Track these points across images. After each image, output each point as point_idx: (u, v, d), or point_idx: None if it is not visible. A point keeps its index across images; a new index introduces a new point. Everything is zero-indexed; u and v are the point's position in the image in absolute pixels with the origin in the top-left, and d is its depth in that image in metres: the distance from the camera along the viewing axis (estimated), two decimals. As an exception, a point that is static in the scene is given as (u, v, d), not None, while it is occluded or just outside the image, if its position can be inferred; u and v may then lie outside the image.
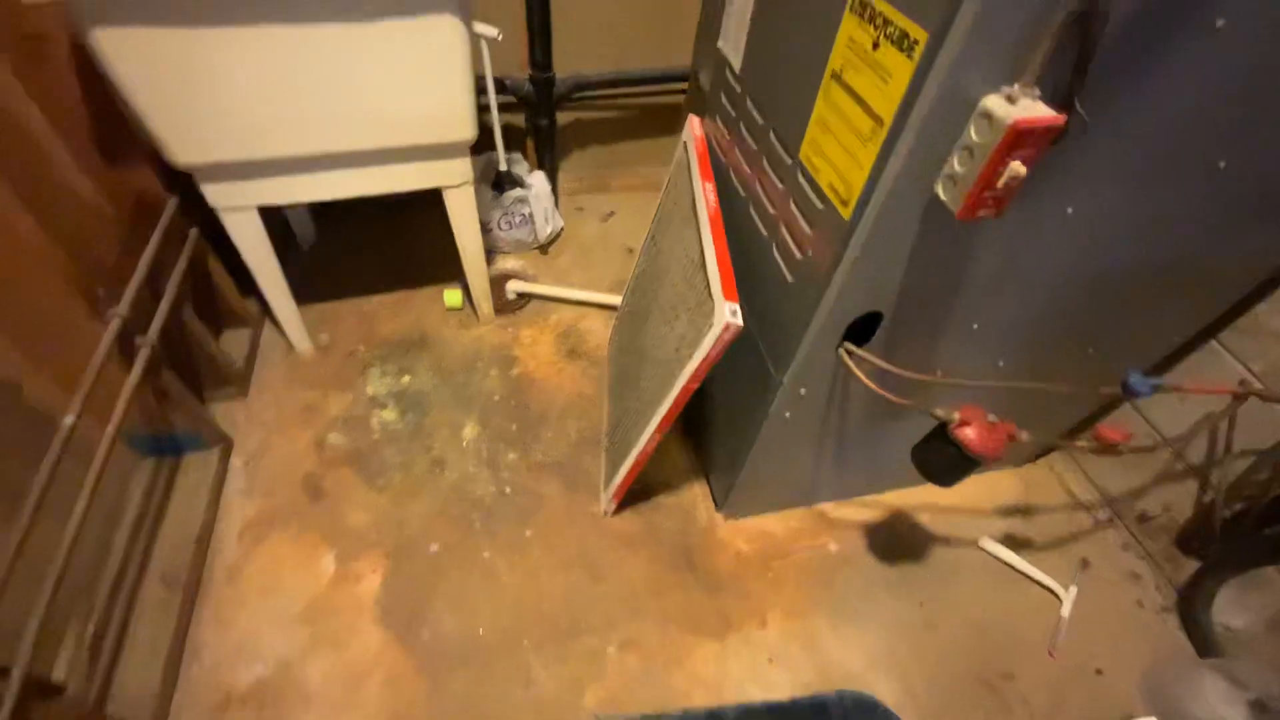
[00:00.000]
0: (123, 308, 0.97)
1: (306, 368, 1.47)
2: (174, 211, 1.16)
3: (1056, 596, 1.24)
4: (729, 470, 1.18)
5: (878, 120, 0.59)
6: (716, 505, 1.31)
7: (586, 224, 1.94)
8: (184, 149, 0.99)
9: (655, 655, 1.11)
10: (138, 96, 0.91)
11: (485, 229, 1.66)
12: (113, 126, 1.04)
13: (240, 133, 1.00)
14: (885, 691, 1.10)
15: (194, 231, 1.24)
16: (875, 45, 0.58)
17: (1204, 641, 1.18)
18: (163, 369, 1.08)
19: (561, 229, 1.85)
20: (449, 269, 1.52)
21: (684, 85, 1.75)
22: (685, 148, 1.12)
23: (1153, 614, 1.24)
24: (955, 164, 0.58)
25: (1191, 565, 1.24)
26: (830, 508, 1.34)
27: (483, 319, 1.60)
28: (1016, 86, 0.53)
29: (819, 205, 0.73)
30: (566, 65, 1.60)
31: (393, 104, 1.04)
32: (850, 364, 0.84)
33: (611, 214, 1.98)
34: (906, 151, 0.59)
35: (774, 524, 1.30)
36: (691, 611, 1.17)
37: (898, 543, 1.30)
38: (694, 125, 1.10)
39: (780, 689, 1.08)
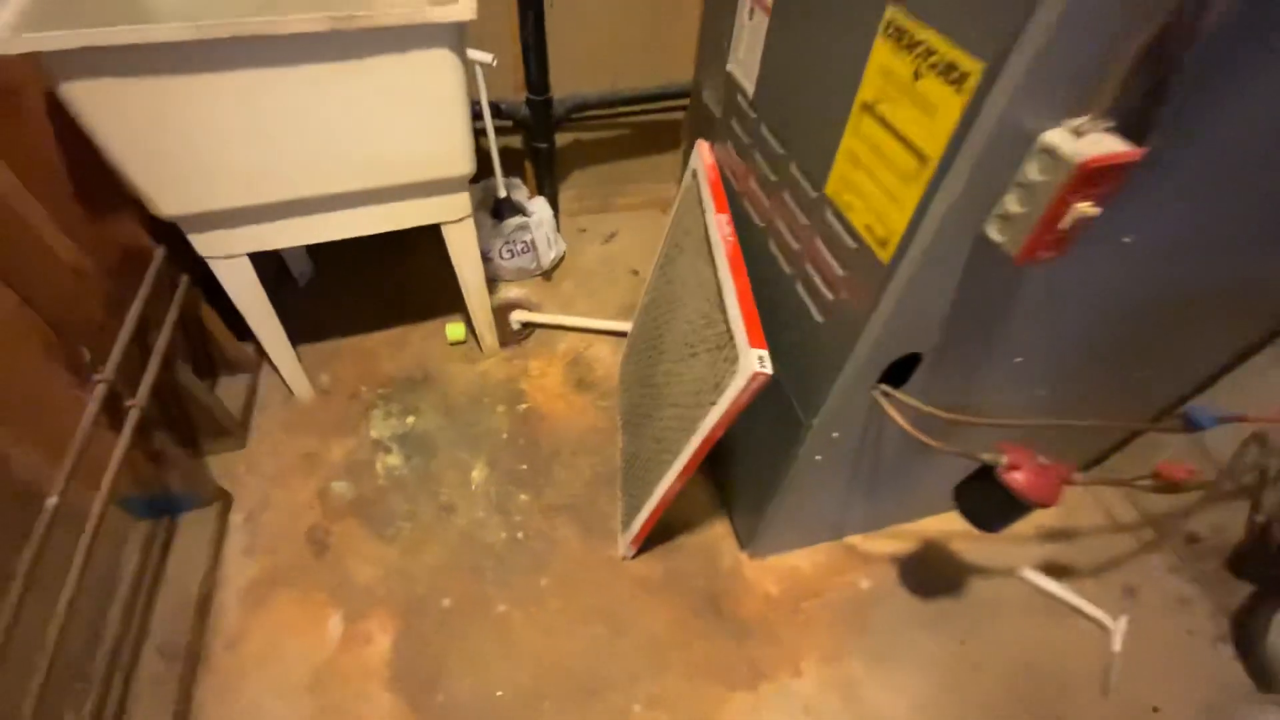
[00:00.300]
0: (108, 371, 0.91)
1: (307, 413, 1.41)
2: (162, 261, 1.11)
3: (1105, 629, 1.17)
4: (754, 510, 1.12)
5: (921, 158, 0.53)
6: (740, 544, 1.25)
7: (589, 246, 1.88)
8: (168, 200, 0.94)
9: (683, 711, 1.05)
10: (116, 149, 0.86)
11: (486, 258, 1.61)
12: (93, 178, 0.98)
13: (227, 180, 0.95)
14: (931, 743, 1.03)
15: (184, 279, 1.18)
16: (916, 76, 0.53)
17: (1261, 672, 1.11)
18: (155, 430, 1.03)
19: (564, 253, 1.79)
20: (450, 301, 1.47)
21: (684, 101, 1.70)
22: (695, 175, 1.06)
23: (1206, 643, 1.18)
24: (1011, 203, 0.52)
25: (1245, 589, 1.18)
26: (859, 540, 1.28)
27: (487, 352, 1.54)
28: (1085, 119, 0.47)
29: (851, 245, 0.67)
30: (563, 86, 1.55)
31: (387, 143, 0.99)
32: (888, 407, 0.78)
33: (614, 235, 1.92)
34: (956, 191, 0.53)
35: (801, 560, 1.24)
36: (720, 661, 1.10)
37: (933, 576, 1.23)
38: (703, 152, 1.04)
39: (819, 744, 1.02)
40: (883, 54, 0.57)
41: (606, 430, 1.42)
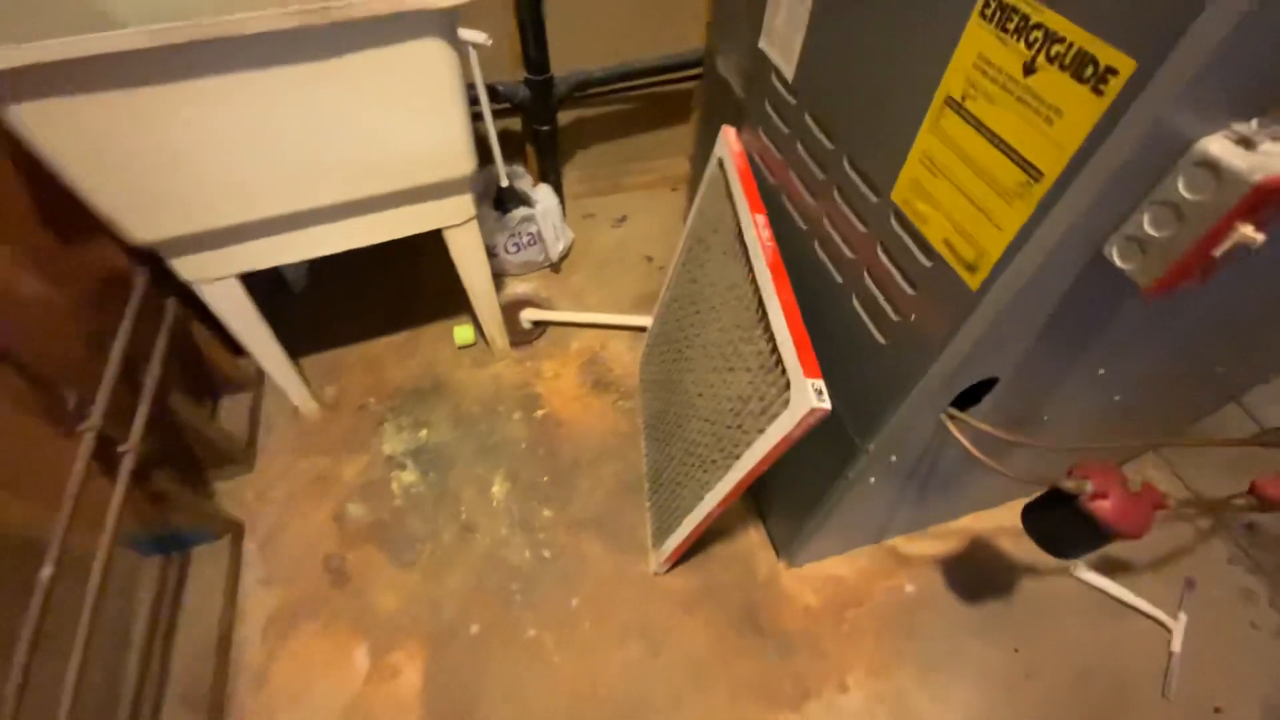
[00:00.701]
0: (95, 418, 0.84)
1: (315, 430, 1.34)
2: (145, 287, 1.02)
3: (1164, 627, 1.12)
4: (794, 522, 1.06)
5: (1033, 172, 0.44)
6: (777, 553, 1.19)
7: (599, 232, 1.77)
8: (142, 226, 0.84)
9: (729, 733, 1.01)
10: (76, 175, 0.76)
11: (491, 253, 1.51)
12: (58, 202, 0.89)
13: (206, 199, 0.85)
14: (988, 757, 0.99)
15: (171, 302, 1.10)
16: (1030, 69, 0.43)
17: (1333, 667, 1.06)
18: (154, 470, 0.96)
19: (572, 242, 1.69)
20: (457, 301, 1.37)
21: (695, 71, 1.56)
22: (721, 165, 0.96)
23: (1269, 636, 1.12)
24: (1147, 225, 0.43)
25: (1313, 580, 1.12)
26: (901, 542, 1.22)
27: (498, 354, 1.46)
28: (1254, 124, 0.37)
29: (925, 263, 0.58)
30: (564, 62, 1.42)
31: (377, 147, 0.89)
32: (957, 434, 0.70)
33: (624, 218, 1.81)
34: (1076, 213, 0.43)
35: (842, 567, 1.18)
36: (763, 679, 1.06)
37: (981, 576, 1.18)
38: (730, 139, 0.93)
39: (872, 764, 0.98)
40: (978, 39, 0.47)
41: (628, 434, 1.35)
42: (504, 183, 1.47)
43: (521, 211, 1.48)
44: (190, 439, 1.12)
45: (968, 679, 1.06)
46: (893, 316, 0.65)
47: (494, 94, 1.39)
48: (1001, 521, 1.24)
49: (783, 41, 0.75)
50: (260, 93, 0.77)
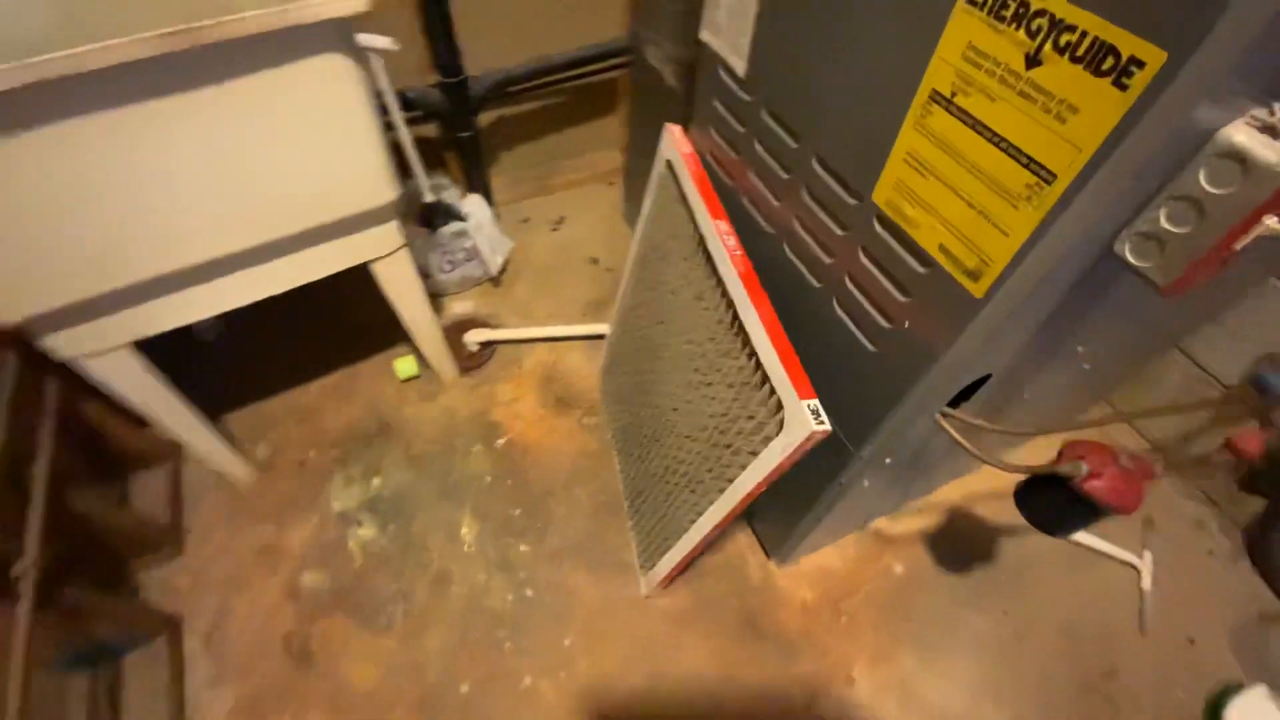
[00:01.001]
0: (-27, 544, 0.70)
1: (250, 496, 1.21)
2: (16, 370, 0.87)
3: (1133, 568, 1.17)
4: (785, 526, 1.03)
5: (1044, 174, 0.40)
6: (767, 554, 1.16)
7: (537, 237, 1.68)
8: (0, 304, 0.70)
9: (746, 751, 0.98)
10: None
11: (424, 274, 1.39)
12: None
13: (74, 265, 0.72)
14: (995, 726, 1.01)
15: (51, 383, 0.94)
16: (1033, 61, 0.38)
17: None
18: (62, 584, 0.82)
19: (511, 250, 1.59)
20: (392, 330, 1.25)
21: (620, 60, 1.48)
22: (671, 168, 0.89)
23: (1225, 563, 1.20)
24: (1164, 221, 0.40)
25: (1255, 503, 1.19)
26: (885, 524, 1.22)
27: (447, 384, 1.36)
28: (1276, 109, 0.35)
29: (919, 269, 0.54)
30: (479, 62, 1.31)
31: (281, 183, 0.77)
32: (952, 432, 0.68)
33: (561, 220, 1.72)
34: (1090, 215, 0.40)
35: (831, 558, 1.17)
36: (771, 687, 1.03)
37: (963, 546, 1.19)
38: (676, 139, 0.87)
39: (888, 754, 0.98)
40: (966, 28, 0.42)
41: (598, 452, 1.29)
42: (429, 198, 1.36)
43: (453, 227, 1.37)
44: (100, 533, 0.97)
45: (965, 652, 1.08)
46: (883, 324, 0.61)
47: (405, 102, 1.26)
48: (974, 488, 1.26)
49: (729, 34, 0.69)
50: (128, 135, 0.64)
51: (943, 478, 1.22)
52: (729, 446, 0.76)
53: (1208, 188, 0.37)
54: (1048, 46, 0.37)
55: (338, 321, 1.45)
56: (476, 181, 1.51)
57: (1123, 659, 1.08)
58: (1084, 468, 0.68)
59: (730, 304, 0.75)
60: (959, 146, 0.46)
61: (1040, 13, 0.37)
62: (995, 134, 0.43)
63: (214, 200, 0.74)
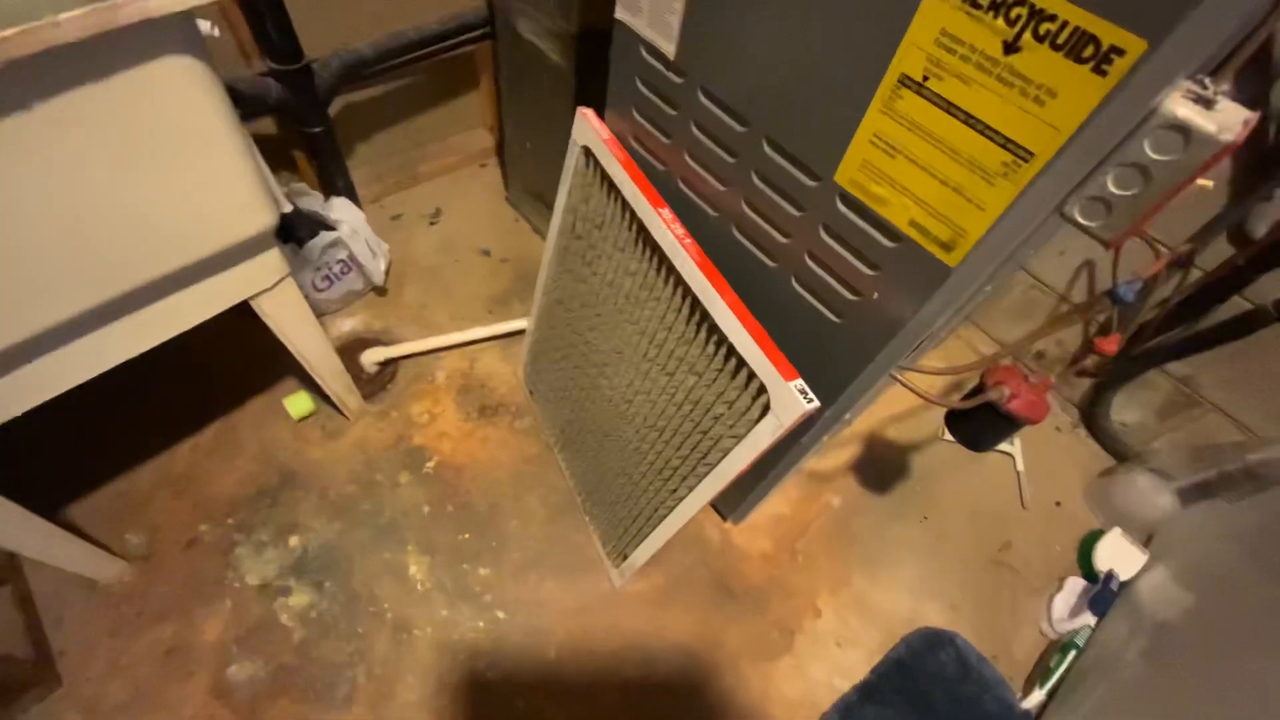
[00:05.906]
0: None
1: (133, 597, 1.00)
2: None
3: (1009, 454, 1.39)
4: (742, 489, 1.08)
5: (1021, 153, 0.43)
6: (722, 516, 1.21)
7: (415, 235, 1.53)
8: None
9: (744, 701, 1.04)
10: None
11: (297, 297, 1.21)
12: None
13: None
14: (935, 616, 1.16)
15: None
16: (1012, 48, 0.41)
17: (1113, 441, 1.42)
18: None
19: (388, 254, 1.43)
20: (270, 363, 1.09)
21: (479, 32, 1.35)
22: (588, 156, 0.85)
23: (1070, 434, 1.46)
24: (1112, 185, 0.46)
25: (1083, 384, 1.46)
26: (814, 462, 1.32)
27: (353, 414, 1.21)
28: (1208, 85, 0.40)
29: (887, 244, 0.57)
30: (320, 43, 1.13)
31: (132, 219, 0.61)
32: (911, 386, 0.74)
33: (439, 212, 1.58)
34: (1059, 185, 0.44)
35: (780, 505, 1.25)
36: (754, 639, 1.10)
37: (883, 469, 1.34)
38: (592, 123, 0.82)
39: (859, 668, 1.09)
40: (939, 15, 0.43)
41: (539, 455, 1.24)
42: (286, 208, 1.16)
43: (323, 238, 1.20)
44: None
45: (901, 560, 1.22)
46: (848, 297, 0.64)
47: (238, 97, 1.05)
48: (879, 414, 1.41)
49: (652, 13, 0.65)
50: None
51: (858, 412, 1.34)
52: (705, 432, 0.77)
53: (1153, 155, 0.43)
54: (1027, 34, 0.40)
55: (196, 364, 1.22)
56: (336, 181, 1.32)
57: (1014, 531, 1.29)
58: (1006, 391, 0.78)
59: (686, 292, 0.74)
60: (931, 129, 0.48)
61: (1019, 1, 0.39)
62: (971, 116, 0.45)
63: (49, 250, 0.57)
